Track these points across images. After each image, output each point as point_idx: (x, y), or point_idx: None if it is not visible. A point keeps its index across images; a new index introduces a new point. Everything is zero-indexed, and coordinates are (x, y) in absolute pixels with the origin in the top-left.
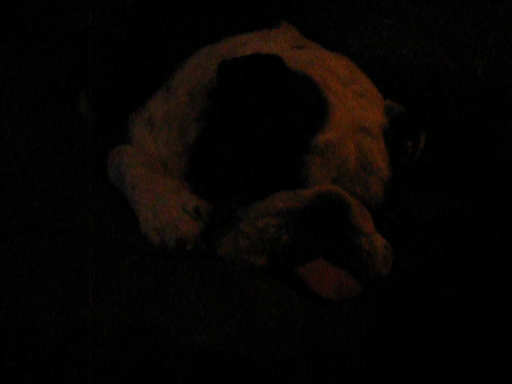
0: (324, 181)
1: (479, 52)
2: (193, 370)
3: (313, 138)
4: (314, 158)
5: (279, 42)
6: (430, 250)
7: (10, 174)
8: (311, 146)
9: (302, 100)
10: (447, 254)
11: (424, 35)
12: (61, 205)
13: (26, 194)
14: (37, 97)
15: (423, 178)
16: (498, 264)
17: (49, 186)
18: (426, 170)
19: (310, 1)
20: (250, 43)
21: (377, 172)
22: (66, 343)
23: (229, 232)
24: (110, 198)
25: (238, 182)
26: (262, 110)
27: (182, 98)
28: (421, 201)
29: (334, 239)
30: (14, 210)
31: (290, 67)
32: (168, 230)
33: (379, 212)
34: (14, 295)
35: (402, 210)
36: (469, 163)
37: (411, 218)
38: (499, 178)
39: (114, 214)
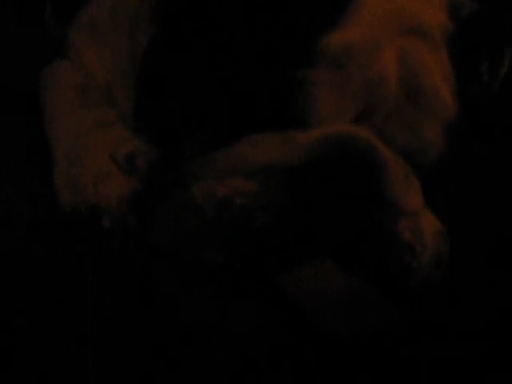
0: (338, 116)
1: None
2: None
3: (320, 39)
4: (321, 74)
5: None
6: None
7: None
8: (316, 53)
9: None
10: None
11: None
12: None
13: None
14: None
15: None
16: None
17: None
18: None
19: None
20: None
21: (435, 106)
22: None
23: (170, 202)
24: None
25: (197, 117)
26: None
27: None
28: None
29: (350, 224)
30: None
31: None
32: (81, 190)
33: (435, 176)
34: None
35: None
36: None
37: None
38: None
39: None
